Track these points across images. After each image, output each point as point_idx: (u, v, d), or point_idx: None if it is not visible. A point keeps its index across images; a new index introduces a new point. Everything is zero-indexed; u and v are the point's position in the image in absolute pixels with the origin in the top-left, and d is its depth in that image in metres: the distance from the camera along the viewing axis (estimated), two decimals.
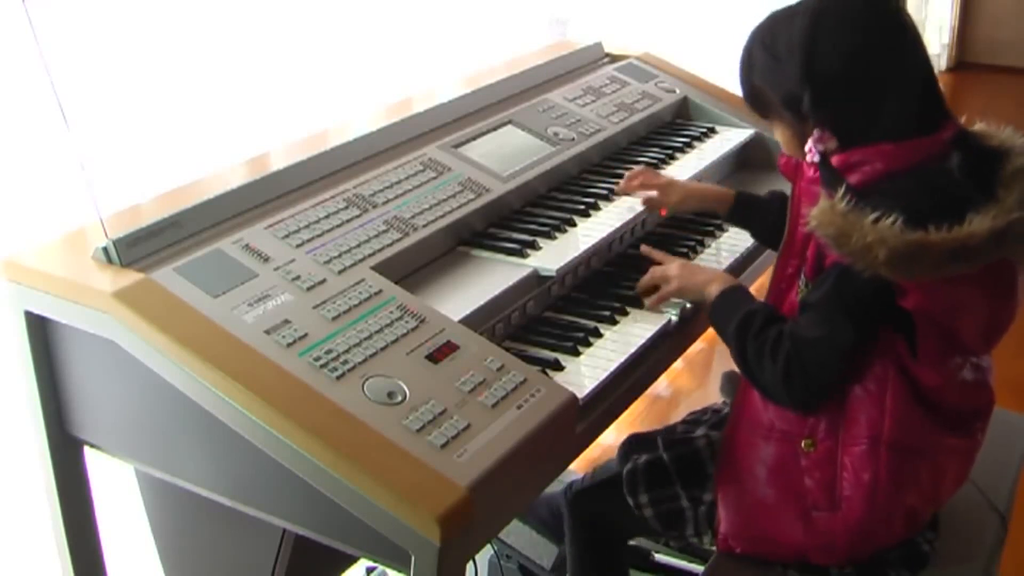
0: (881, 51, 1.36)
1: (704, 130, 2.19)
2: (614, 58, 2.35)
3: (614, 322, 1.58)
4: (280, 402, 1.20)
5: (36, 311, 1.39)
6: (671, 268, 1.61)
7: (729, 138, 2.17)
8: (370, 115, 1.96)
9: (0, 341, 1.48)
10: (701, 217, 1.92)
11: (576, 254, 1.65)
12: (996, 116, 1.48)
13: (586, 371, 1.46)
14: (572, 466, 1.70)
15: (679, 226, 1.91)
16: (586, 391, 1.41)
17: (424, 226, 1.59)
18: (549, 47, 2.46)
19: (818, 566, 1.46)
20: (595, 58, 2.33)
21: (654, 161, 2.01)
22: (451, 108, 1.93)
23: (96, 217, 1.36)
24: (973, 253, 1.26)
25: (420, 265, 1.59)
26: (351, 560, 1.91)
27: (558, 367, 1.46)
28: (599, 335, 1.55)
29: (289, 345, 1.28)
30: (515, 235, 1.69)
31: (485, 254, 1.64)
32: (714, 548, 1.54)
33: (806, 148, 1.41)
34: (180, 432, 1.34)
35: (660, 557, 2.16)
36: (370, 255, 1.49)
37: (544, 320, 1.60)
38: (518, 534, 2.03)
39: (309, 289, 1.39)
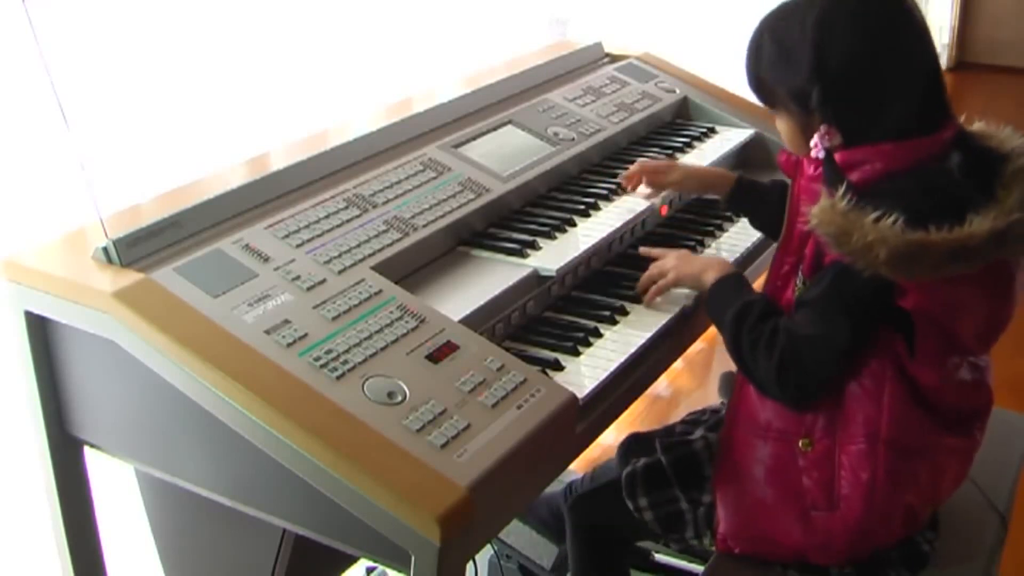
0: (891, 48, 1.35)
1: (704, 130, 2.19)
2: (614, 58, 2.35)
3: (614, 322, 1.58)
4: (280, 402, 1.20)
5: (36, 311, 1.39)
6: (667, 260, 1.61)
7: (729, 138, 2.17)
8: (370, 115, 1.96)
9: (0, 341, 1.48)
10: (701, 217, 1.92)
11: (576, 254, 1.65)
12: (996, 116, 1.48)
13: (586, 371, 1.46)
14: (572, 466, 1.70)
15: (679, 226, 1.91)
16: (586, 391, 1.41)
17: (424, 226, 1.59)
18: (549, 47, 2.46)
19: (817, 566, 1.46)
20: (595, 58, 2.33)
21: None
22: (451, 108, 1.93)
23: (96, 217, 1.36)
24: (973, 253, 1.26)
25: (420, 265, 1.59)
26: (351, 560, 1.91)
27: (558, 367, 1.46)
28: (599, 335, 1.55)
29: (289, 345, 1.28)
30: (515, 235, 1.69)
31: (485, 254, 1.64)
32: (714, 549, 1.54)
33: (812, 143, 1.40)
34: (180, 432, 1.34)
35: (660, 557, 2.16)
36: (370, 255, 1.49)
37: (544, 320, 1.60)
38: (518, 534, 2.03)
39: (309, 289, 1.39)
